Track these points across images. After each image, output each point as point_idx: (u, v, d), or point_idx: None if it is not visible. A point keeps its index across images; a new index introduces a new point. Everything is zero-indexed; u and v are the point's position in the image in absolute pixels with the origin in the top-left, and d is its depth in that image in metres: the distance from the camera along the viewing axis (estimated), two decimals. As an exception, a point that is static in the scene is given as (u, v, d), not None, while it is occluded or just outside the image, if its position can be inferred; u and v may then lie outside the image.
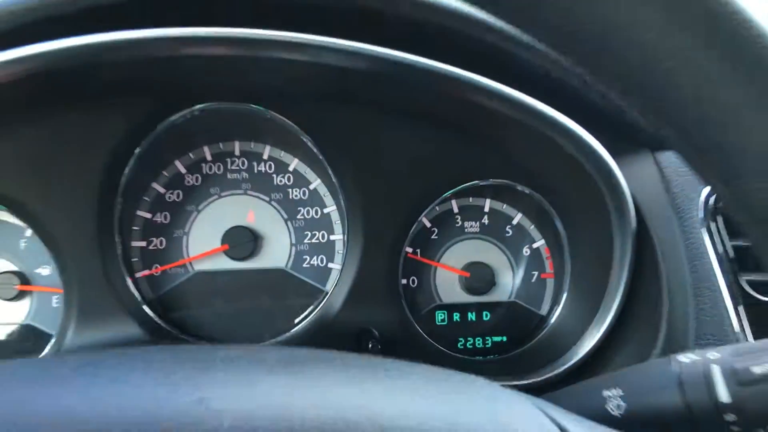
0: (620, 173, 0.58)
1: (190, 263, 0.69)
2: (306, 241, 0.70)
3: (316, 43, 0.53)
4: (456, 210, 0.71)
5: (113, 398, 0.27)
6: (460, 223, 0.72)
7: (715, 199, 0.58)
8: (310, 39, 0.53)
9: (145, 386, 0.28)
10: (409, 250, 0.70)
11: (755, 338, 0.55)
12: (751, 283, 0.57)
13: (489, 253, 0.72)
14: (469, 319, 0.72)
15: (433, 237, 0.71)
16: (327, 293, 0.67)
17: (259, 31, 0.54)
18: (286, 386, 0.28)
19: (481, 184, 0.68)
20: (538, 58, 0.54)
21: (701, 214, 0.58)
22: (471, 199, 0.72)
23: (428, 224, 0.71)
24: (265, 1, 0.54)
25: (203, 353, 0.32)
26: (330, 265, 0.69)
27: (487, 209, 0.72)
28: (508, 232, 0.72)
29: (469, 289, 0.71)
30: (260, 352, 0.34)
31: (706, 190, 0.59)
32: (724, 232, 0.58)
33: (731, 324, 0.55)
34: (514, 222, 0.72)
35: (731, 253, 0.57)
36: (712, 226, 0.57)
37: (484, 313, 0.72)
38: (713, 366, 0.42)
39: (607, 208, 0.59)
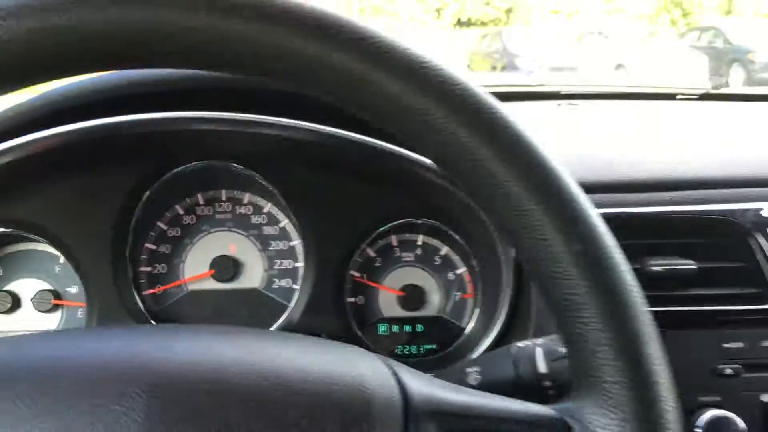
0: None
1: (185, 284, 0.88)
2: (276, 267, 0.90)
3: (256, 120, 0.75)
4: (395, 243, 0.91)
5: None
6: (398, 253, 0.91)
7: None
8: (256, 118, 0.75)
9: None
10: (357, 274, 0.89)
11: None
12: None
13: (421, 278, 0.91)
14: (405, 330, 0.91)
15: (376, 264, 0.90)
16: (289, 308, 0.86)
17: (230, 114, 0.76)
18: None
19: (415, 222, 0.87)
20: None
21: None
22: (407, 234, 0.91)
23: (373, 254, 0.90)
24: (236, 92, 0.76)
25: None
26: (294, 286, 0.89)
27: (420, 243, 0.91)
28: (437, 261, 0.91)
29: (405, 306, 0.90)
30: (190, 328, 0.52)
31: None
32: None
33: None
34: (442, 253, 0.91)
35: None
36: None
37: (418, 325, 0.91)
38: (537, 348, 0.61)
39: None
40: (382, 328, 0.90)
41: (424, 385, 0.50)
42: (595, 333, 0.49)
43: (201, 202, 0.89)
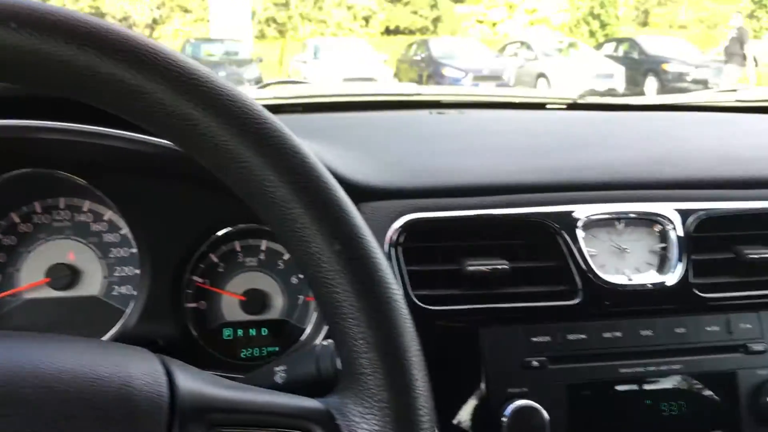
0: None
1: (21, 293, 0.88)
2: (116, 274, 0.90)
3: (84, 130, 0.75)
4: (239, 248, 0.93)
5: None
6: (242, 258, 0.93)
7: (399, 233, 0.81)
8: (84, 127, 0.75)
9: None
10: (200, 280, 0.91)
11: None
12: (419, 297, 0.79)
13: (265, 282, 0.93)
14: (250, 333, 0.92)
15: (219, 269, 0.92)
16: (125, 315, 0.87)
17: (58, 123, 0.76)
18: None
19: (259, 227, 0.90)
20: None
21: (386, 247, 0.80)
22: (251, 239, 0.93)
23: (216, 260, 0.92)
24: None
25: None
26: (133, 293, 0.89)
27: (263, 248, 0.93)
28: (280, 265, 0.93)
29: (247, 310, 0.91)
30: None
31: (392, 229, 0.81)
32: (402, 259, 0.80)
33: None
34: (285, 257, 0.93)
35: (406, 275, 0.79)
36: (392, 253, 0.80)
37: (262, 329, 0.93)
38: (331, 344, 0.64)
39: None
40: (227, 333, 0.92)
41: (195, 383, 0.52)
42: (353, 328, 0.52)
43: (38, 210, 0.89)
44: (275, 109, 1.41)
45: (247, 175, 0.52)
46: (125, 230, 0.90)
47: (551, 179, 0.87)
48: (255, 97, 1.68)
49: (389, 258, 0.80)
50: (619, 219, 0.86)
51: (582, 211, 0.84)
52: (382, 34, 22.67)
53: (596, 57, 15.16)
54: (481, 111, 1.47)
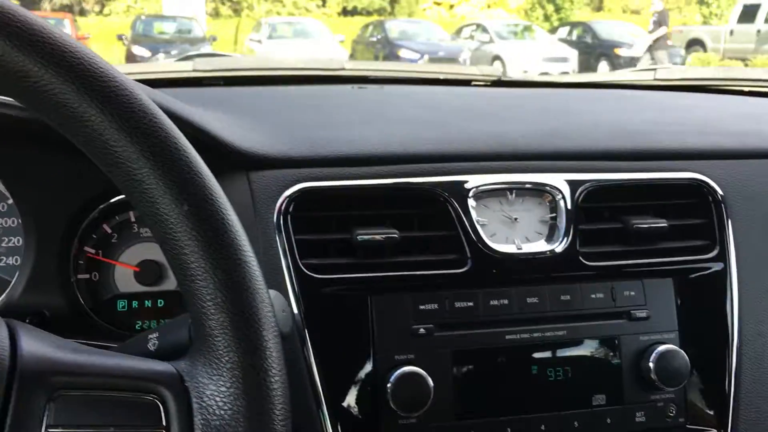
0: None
1: None
2: (2, 245, 0.88)
3: None
4: (133, 219, 0.91)
5: None
6: (136, 229, 0.91)
7: (289, 202, 0.80)
8: None
9: None
10: (92, 251, 0.89)
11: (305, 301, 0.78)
12: (308, 266, 0.79)
13: (160, 253, 0.91)
14: (146, 305, 0.91)
15: (113, 240, 0.90)
16: (10, 285, 0.85)
17: None
18: None
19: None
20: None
21: (275, 216, 0.80)
22: (146, 210, 0.91)
23: (109, 230, 0.90)
24: None
25: None
26: (19, 263, 0.87)
27: (159, 218, 0.92)
28: (177, 236, 0.92)
29: (141, 281, 0.90)
30: None
31: (281, 198, 0.81)
32: (291, 228, 0.80)
33: (287, 292, 0.77)
34: (182, 227, 0.92)
35: (294, 244, 0.79)
36: (281, 222, 0.80)
37: (158, 300, 0.92)
38: None
39: None
40: (121, 305, 0.90)
41: (40, 346, 0.52)
42: (202, 290, 0.52)
43: None
44: (195, 82, 1.39)
45: (92, 134, 0.51)
46: (12, 200, 0.88)
47: (443, 150, 0.87)
48: (174, 69, 1.65)
49: (279, 227, 0.80)
50: (510, 189, 0.87)
51: (473, 181, 0.85)
52: (339, 14, 22.47)
53: (551, 41, 15.32)
54: (403, 87, 1.48)
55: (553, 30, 17.44)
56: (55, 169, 0.83)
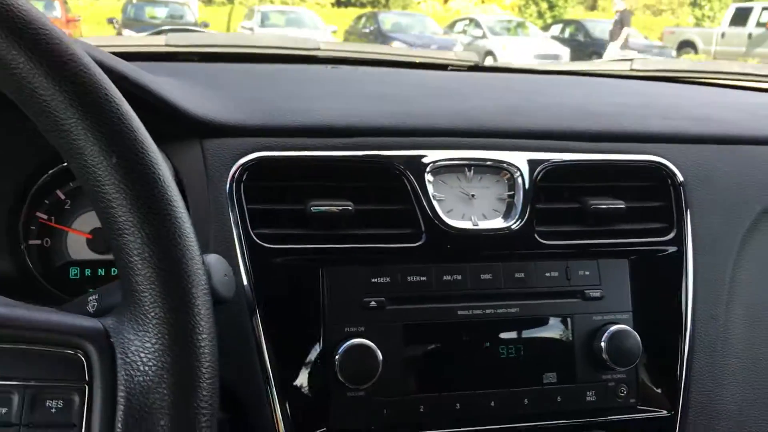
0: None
1: None
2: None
3: None
4: (87, 186, 0.90)
5: None
6: (90, 196, 0.90)
7: (243, 171, 0.79)
8: None
9: None
10: (44, 217, 0.88)
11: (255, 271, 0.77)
12: (259, 235, 0.78)
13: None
14: (99, 273, 0.90)
15: (66, 207, 0.89)
16: None
17: None
18: None
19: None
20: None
21: (228, 185, 0.79)
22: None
23: (62, 196, 0.89)
24: None
25: None
26: None
27: (114, 186, 0.91)
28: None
29: (94, 248, 0.89)
30: None
31: (235, 167, 0.80)
32: (243, 197, 0.79)
33: (237, 261, 0.77)
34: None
35: (246, 213, 0.79)
36: (234, 190, 0.79)
37: (112, 269, 0.90)
38: None
39: None
40: (73, 272, 0.89)
41: None
42: (129, 244, 0.51)
43: None
44: (170, 56, 1.37)
45: (21, 82, 0.50)
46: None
47: (402, 123, 0.87)
48: (146, 42, 1.63)
49: (231, 196, 0.79)
50: (468, 166, 0.86)
51: (431, 156, 0.84)
52: (333, 5, 22.39)
53: (543, 38, 15.33)
54: (379, 69, 1.46)
55: (546, 27, 17.45)
56: (4, 132, 0.81)
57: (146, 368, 0.49)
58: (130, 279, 0.51)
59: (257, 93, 0.97)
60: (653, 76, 1.53)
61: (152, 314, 0.50)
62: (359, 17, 16.57)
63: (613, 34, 11.86)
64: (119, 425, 0.48)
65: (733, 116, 1.06)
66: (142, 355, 0.49)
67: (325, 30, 15.23)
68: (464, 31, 15.47)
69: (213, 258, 0.65)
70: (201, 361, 0.50)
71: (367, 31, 15.36)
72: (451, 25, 16.50)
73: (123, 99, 0.52)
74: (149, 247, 0.50)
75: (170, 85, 0.84)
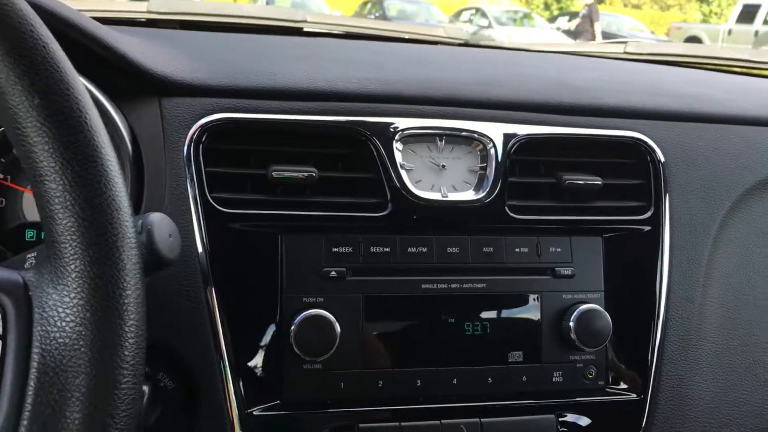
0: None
1: None
2: None
3: None
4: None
5: None
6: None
7: (202, 132, 0.76)
8: None
9: None
10: (1, 176, 0.85)
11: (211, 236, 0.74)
12: (217, 199, 0.75)
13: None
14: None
15: (23, 165, 0.86)
16: None
17: None
18: None
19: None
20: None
21: (186, 147, 0.76)
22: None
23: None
24: None
25: None
26: None
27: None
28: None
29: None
30: None
31: (194, 128, 0.77)
32: (202, 159, 0.76)
33: (192, 225, 0.74)
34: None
35: (204, 176, 0.75)
36: (192, 152, 0.75)
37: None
38: None
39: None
40: (29, 234, 0.86)
41: None
42: (50, 192, 0.48)
43: None
44: (151, 23, 1.34)
45: None
46: None
47: (371, 89, 0.83)
48: (128, 8, 1.59)
49: (189, 157, 0.76)
50: (440, 135, 0.83)
51: (400, 124, 0.81)
52: (340, -10, 22.25)
53: (549, 29, 15.23)
54: (365, 42, 1.43)
55: (552, 19, 17.34)
56: None
57: (64, 324, 0.46)
58: (51, 229, 0.48)
59: (224, 55, 0.94)
60: (647, 59, 1.49)
61: (72, 267, 0.47)
62: (365, 3, 16.43)
63: (581, 29, 11.62)
64: (32, 383, 0.45)
65: (720, 96, 1.02)
66: (60, 310, 0.46)
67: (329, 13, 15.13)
68: (470, 20, 15.35)
69: (157, 216, 0.62)
70: (124, 319, 0.47)
71: (372, 17, 15.24)
72: (457, 14, 16.38)
73: (52, 38, 0.49)
74: (71, 194, 0.47)
75: (134, 44, 0.81)
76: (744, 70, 1.45)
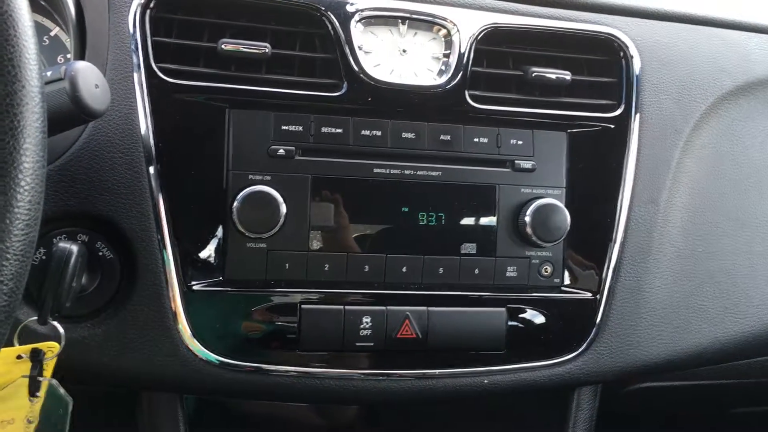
0: None
1: None
2: None
3: None
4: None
5: None
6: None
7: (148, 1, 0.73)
8: None
9: None
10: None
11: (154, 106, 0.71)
12: (163, 69, 0.72)
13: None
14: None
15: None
16: None
17: None
18: None
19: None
20: None
21: (131, 15, 0.72)
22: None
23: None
24: None
25: None
26: None
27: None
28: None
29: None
30: None
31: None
32: (149, 28, 0.72)
33: (135, 93, 0.71)
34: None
35: (150, 45, 0.72)
36: (137, 20, 0.72)
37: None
38: None
39: None
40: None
41: None
42: None
43: None
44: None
45: None
46: None
47: None
48: None
49: (134, 25, 0.72)
50: (402, 18, 0.80)
51: (359, 3, 0.77)
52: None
53: None
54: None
55: None
56: None
57: None
58: None
59: None
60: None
61: None
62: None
63: None
64: None
65: None
66: None
67: None
68: None
69: (82, 64, 0.59)
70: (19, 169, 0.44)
71: None
72: None
73: None
74: None
75: None
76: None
